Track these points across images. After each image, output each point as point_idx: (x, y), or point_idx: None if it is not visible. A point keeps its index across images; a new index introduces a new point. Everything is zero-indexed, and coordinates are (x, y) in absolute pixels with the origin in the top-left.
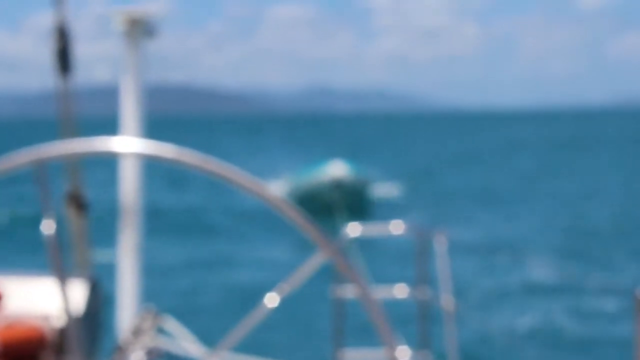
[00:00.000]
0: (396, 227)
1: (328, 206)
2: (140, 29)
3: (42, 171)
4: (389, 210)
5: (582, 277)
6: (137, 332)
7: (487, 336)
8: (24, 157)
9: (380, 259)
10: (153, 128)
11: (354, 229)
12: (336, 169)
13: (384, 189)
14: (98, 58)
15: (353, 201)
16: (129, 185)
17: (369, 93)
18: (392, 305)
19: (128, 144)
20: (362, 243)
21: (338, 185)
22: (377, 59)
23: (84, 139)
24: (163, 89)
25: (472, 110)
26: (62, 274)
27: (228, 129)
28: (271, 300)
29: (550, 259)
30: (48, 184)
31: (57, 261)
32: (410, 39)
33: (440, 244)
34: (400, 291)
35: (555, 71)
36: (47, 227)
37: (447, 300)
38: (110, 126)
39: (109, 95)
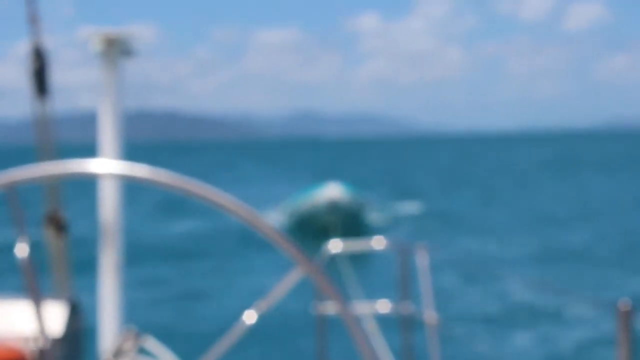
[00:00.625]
0: (378, 243)
1: (324, 228)
2: (117, 49)
3: (14, 194)
4: (385, 231)
5: (565, 290)
6: (118, 352)
7: (471, 350)
8: None
9: (362, 274)
10: (138, 153)
11: (335, 245)
12: (332, 191)
13: (379, 211)
14: (83, 85)
15: (349, 223)
16: (109, 207)
17: (355, 117)
18: (376, 321)
19: (102, 165)
20: (346, 259)
21: (334, 207)
22: (363, 83)
23: (56, 161)
24: (149, 115)
25: (459, 134)
26: (38, 297)
27: (214, 154)
28: (249, 317)
29: (533, 273)
30: (20, 207)
31: (32, 284)
32: (396, 63)
33: (421, 259)
34: (383, 306)
35: (542, 94)
36: (21, 249)
37: (429, 315)
38: (93, 152)
39: (94, 122)
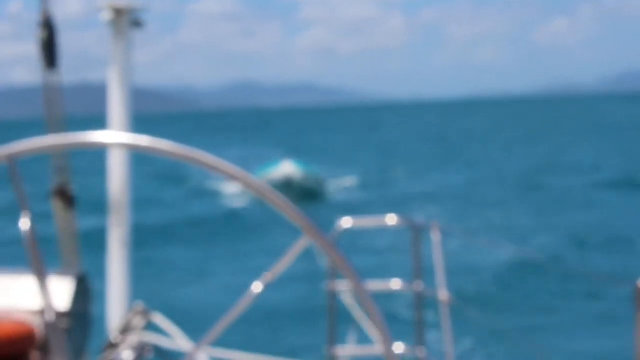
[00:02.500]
0: (390, 220)
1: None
2: (126, 20)
3: (14, 167)
4: (343, 206)
5: (581, 269)
6: (126, 328)
7: (483, 328)
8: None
9: (375, 251)
10: (80, 126)
11: (347, 222)
12: (286, 168)
13: (335, 185)
14: (15, 59)
15: (304, 199)
16: (117, 181)
17: (296, 87)
18: (388, 299)
19: (107, 136)
20: (356, 236)
21: (289, 184)
22: (303, 52)
23: (62, 134)
24: (89, 88)
25: (401, 102)
26: (41, 271)
27: (154, 127)
28: (256, 288)
29: (548, 252)
30: (21, 180)
31: (35, 258)
32: (336, 31)
33: (434, 236)
34: (395, 284)
35: (483, 59)
36: (24, 223)
37: (442, 293)
38: (35, 128)
39: (28, 97)
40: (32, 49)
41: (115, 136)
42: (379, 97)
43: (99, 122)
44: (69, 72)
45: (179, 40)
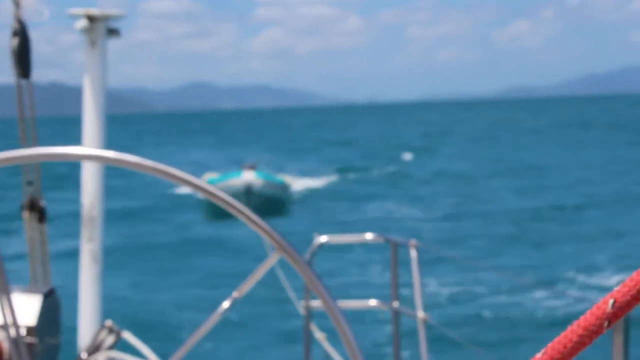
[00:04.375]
0: (368, 237)
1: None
2: (101, 28)
3: None
4: (305, 212)
5: (560, 289)
6: (96, 346)
7: (459, 348)
8: None
9: (352, 269)
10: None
11: (325, 238)
12: (248, 176)
13: (299, 190)
14: None
15: (265, 206)
16: (90, 195)
17: (250, 88)
18: (365, 317)
19: (84, 150)
20: (334, 254)
21: (249, 191)
22: (259, 53)
23: (38, 147)
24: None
25: (357, 104)
26: (5, 287)
27: (111, 128)
28: (225, 306)
29: (530, 271)
30: None
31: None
32: (292, 32)
33: (412, 255)
34: (372, 303)
35: (443, 61)
36: None
37: (418, 311)
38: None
39: None
40: None
41: (92, 150)
42: (336, 99)
43: (50, 123)
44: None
45: (131, 40)
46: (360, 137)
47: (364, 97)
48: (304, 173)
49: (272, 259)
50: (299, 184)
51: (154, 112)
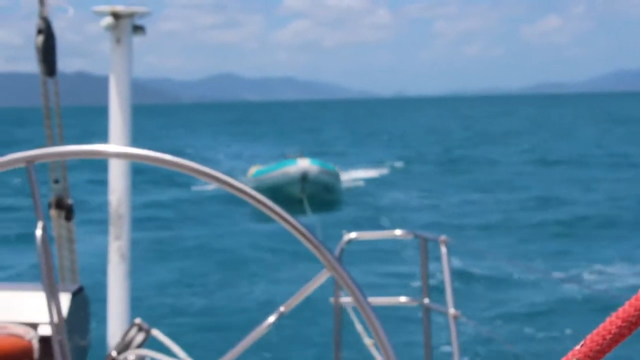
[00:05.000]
0: (397, 233)
1: (294, 199)
2: (126, 26)
3: (33, 173)
4: (358, 202)
5: (589, 285)
6: (126, 344)
7: (490, 343)
8: (17, 157)
9: (381, 265)
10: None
11: (354, 234)
12: (303, 163)
13: (350, 181)
14: None
15: (320, 194)
16: (117, 193)
17: (276, 80)
18: (396, 313)
19: (119, 148)
20: (364, 250)
21: (304, 178)
22: (285, 45)
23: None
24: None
25: (384, 97)
26: (52, 281)
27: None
28: (271, 320)
29: (560, 268)
30: (38, 187)
31: (47, 267)
32: (319, 24)
33: (442, 251)
34: (402, 299)
35: (470, 56)
36: (38, 232)
37: (449, 307)
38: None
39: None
40: (8, 36)
41: (130, 149)
42: (363, 93)
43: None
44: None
45: (158, 29)
46: (412, 130)
47: (391, 91)
48: (360, 165)
49: (322, 277)
50: (350, 175)
51: (179, 103)
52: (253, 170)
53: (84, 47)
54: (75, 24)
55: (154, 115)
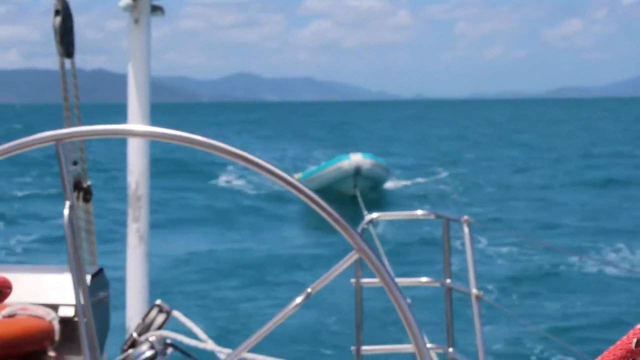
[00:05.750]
0: (419, 213)
1: (349, 194)
2: (145, 6)
3: (62, 152)
4: (406, 197)
5: (613, 263)
6: (146, 326)
7: (512, 324)
8: (46, 136)
9: (404, 246)
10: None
11: (375, 214)
12: (356, 158)
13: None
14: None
15: (374, 189)
16: (136, 174)
17: (295, 80)
18: (418, 294)
19: (145, 127)
20: (387, 231)
21: (358, 172)
22: (305, 45)
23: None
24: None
25: (404, 99)
26: (79, 262)
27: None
28: (297, 301)
29: (577, 245)
30: (67, 167)
31: (74, 247)
32: (340, 24)
33: (465, 231)
34: (424, 280)
35: (491, 59)
36: (67, 210)
37: (472, 288)
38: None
39: (19, 81)
40: (26, 32)
41: (158, 128)
42: (382, 94)
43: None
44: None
45: (177, 27)
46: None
47: (411, 93)
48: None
49: (351, 259)
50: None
51: (198, 101)
52: (296, 177)
53: (103, 45)
54: (95, 20)
55: (172, 114)
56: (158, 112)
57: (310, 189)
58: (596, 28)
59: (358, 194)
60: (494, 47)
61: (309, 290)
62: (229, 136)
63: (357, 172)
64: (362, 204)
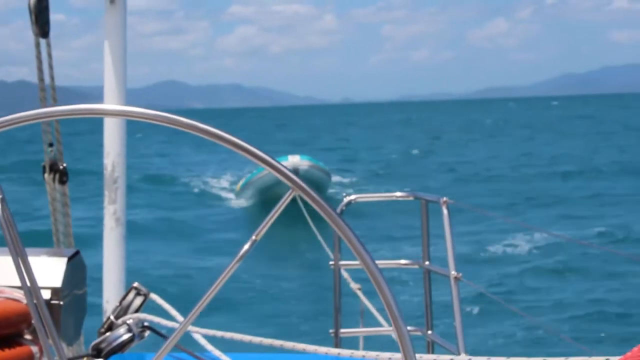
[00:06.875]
0: (398, 195)
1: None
2: None
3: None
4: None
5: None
6: (124, 309)
7: (491, 305)
8: (13, 118)
9: (383, 227)
10: None
11: (354, 196)
12: (294, 160)
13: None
14: None
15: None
16: (112, 156)
17: (222, 87)
18: (397, 275)
19: (117, 107)
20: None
21: (295, 174)
22: (231, 51)
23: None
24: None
25: (332, 103)
26: (18, 248)
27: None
28: (247, 247)
29: (558, 228)
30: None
31: (11, 233)
32: (266, 30)
33: (444, 212)
34: (403, 262)
35: (418, 61)
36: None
37: (451, 269)
38: None
39: None
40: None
41: (129, 107)
42: (310, 99)
43: None
44: None
45: (100, 36)
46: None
47: (338, 97)
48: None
49: (287, 197)
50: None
51: None
52: (240, 184)
53: (26, 56)
54: (15, 32)
55: (96, 122)
56: (84, 122)
57: (252, 194)
58: (521, 28)
59: (297, 196)
60: (421, 49)
61: (253, 237)
62: (151, 146)
63: (295, 174)
64: (301, 206)
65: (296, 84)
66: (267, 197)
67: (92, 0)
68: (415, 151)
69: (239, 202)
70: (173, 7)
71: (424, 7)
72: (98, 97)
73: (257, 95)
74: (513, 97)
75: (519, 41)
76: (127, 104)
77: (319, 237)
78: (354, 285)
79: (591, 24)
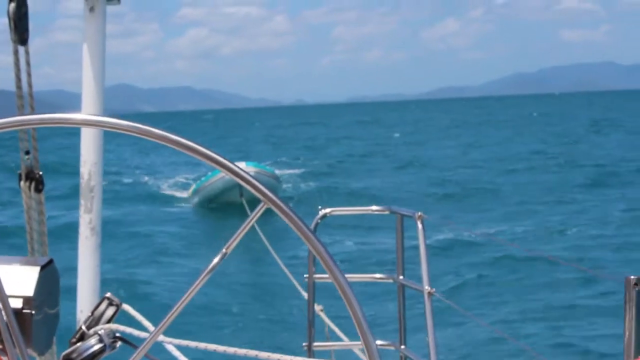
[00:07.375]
0: (373, 208)
1: (235, 204)
2: None
3: None
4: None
5: (567, 261)
6: (96, 319)
7: (464, 321)
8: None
9: (357, 241)
10: None
11: (329, 209)
12: (242, 167)
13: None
14: None
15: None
16: (88, 164)
17: (173, 90)
18: (369, 290)
19: (87, 116)
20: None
21: None
22: (182, 54)
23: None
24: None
25: (284, 105)
26: None
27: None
28: (217, 260)
29: (532, 245)
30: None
31: None
32: (217, 32)
33: (419, 226)
34: (377, 276)
35: (371, 62)
36: None
37: (424, 284)
38: None
39: None
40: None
41: (100, 117)
42: (262, 101)
43: None
44: None
45: (51, 40)
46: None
47: (291, 99)
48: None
49: (259, 210)
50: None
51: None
52: (191, 189)
53: None
54: None
55: (50, 128)
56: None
57: (202, 199)
58: (473, 28)
59: (245, 202)
60: (373, 50)
61: (224, 250)
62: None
63: None
64: (249, 212)
65: (248, 86)
66: (217, 203)
67: (37, 3)
68: (362, 151)
69: (190, 206)
70: (124, 9)
71: (376, 8)
72: (47, 101)
73: (209, 98)
74: (465, 97)
75: (470, 41)
76: (76, 108)
77: (273, 253)
78: (317, 307)
79: (542, 24)
